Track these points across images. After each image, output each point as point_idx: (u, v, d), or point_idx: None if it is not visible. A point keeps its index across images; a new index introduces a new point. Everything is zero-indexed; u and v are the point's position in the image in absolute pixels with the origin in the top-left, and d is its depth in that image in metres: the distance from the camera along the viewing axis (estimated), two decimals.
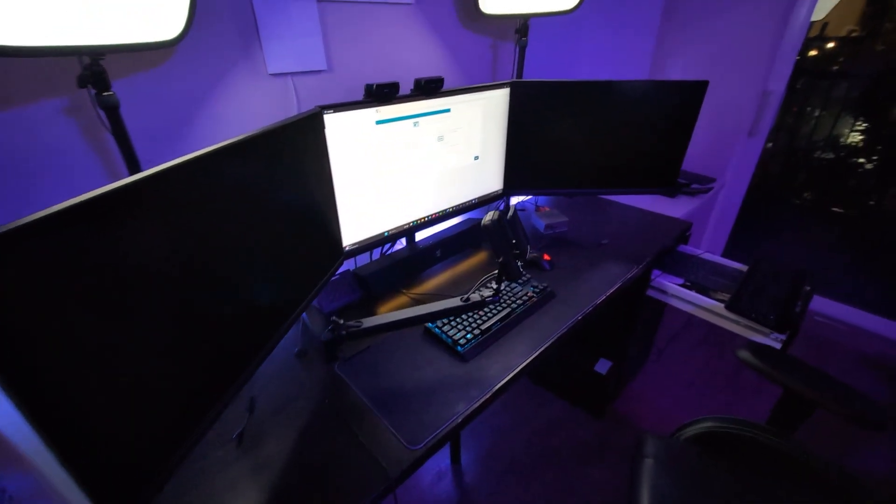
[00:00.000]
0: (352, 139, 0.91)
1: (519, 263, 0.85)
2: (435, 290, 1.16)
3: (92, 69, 0.63)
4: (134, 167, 0.73)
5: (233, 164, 0.61)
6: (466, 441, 1.66)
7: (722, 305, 1.21)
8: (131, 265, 0.46)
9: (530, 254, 1.25)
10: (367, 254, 1.25)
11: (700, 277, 1.36)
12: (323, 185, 0.88)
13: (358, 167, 0.95)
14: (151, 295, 0.49)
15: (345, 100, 0.87)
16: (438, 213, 1.20)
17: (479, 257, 1.31)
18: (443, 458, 1.60)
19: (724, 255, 1.94)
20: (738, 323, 1.20)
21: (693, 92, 1.23)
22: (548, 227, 1.45)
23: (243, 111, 0.96)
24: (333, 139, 0.87)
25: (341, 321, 0.85)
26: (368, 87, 0.87)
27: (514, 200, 1.67)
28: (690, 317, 1.33)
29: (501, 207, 0.79)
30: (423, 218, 1.16)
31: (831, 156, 2.19)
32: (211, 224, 0.57)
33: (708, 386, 1.88)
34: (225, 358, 0.63)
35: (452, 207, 1.23)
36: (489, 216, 0.80)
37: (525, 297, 1.06)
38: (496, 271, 0.86)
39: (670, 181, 1.38)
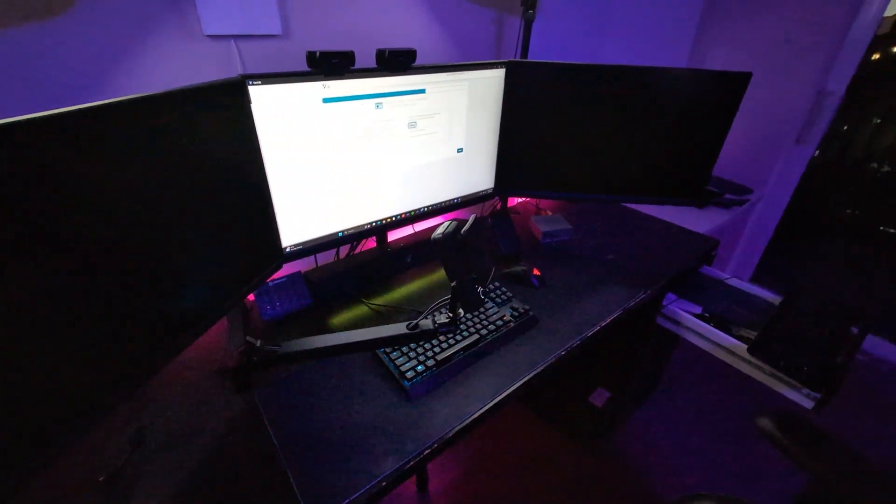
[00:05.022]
0: (290, 119, 0.74)
1: (479, 290, 0.67)
2: (401, 301, 0.99)
3: None
4: None
5: (135, 124, 0.50)
6: (436, 467, 1.50)
7: (744, 347, 1.00)
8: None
9: (518, 266, 1.07)
10: (335, 253, 1.10)
11: (722, 308, 1.14)
12: (252, 173, 0.71)
13: (300, 154, 0.78)
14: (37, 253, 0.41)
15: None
16: (409, 212, 1.02)
17: None
18: (407, 483, 1.46)
19: (754, 280, 1.70)
20: (761, 370, 0.99)
21: (733, 84, 1.00)
22: (546, 234, 1.25)
23: (170, 81, 0.80)
24: (265, 117, 0.70)
25: (257, 342, 0.69)
26: (311, 56, 0.69)
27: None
28: (706, 352, 1.12)
29: (474, 216, 0.61)
30: (390, 218, 0.99)
31: (887, 169, 1.91)
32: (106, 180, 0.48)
33: (722, 431, 1.65)
34: (113, 352, 0.51)
35: (428, 207, 1.05)
36: (442, 228, 0.63)
37: (500, 322, 0.88)
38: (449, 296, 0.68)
39: (696, 191, 1.16)
